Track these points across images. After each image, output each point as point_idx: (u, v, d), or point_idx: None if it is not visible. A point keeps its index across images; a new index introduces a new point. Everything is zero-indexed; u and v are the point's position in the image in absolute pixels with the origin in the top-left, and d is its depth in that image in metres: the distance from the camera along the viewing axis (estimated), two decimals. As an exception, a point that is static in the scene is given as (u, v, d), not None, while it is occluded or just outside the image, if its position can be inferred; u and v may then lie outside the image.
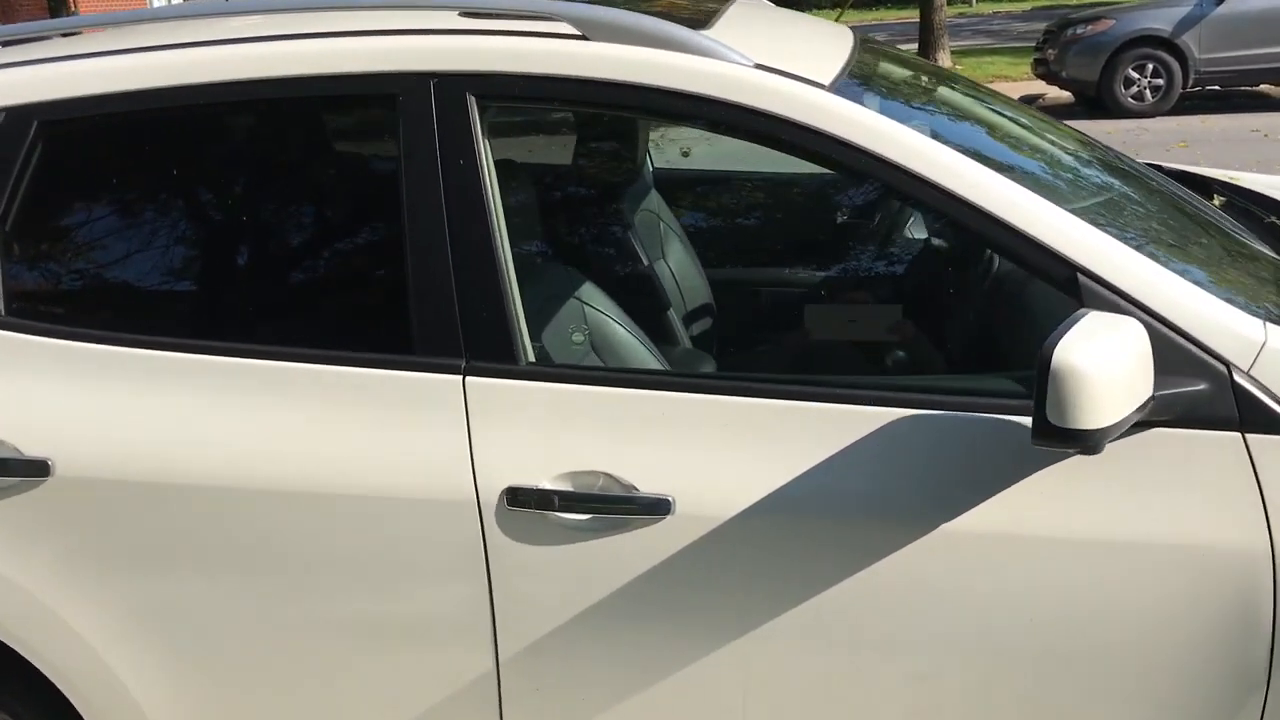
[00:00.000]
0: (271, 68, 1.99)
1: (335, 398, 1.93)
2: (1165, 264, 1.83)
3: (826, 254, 3.26)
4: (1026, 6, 27.76)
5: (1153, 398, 1.70)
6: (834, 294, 3.16)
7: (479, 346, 1.92)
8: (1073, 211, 1.84)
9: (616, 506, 1.85)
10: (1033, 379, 1.83)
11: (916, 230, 2.98)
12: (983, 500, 1.78)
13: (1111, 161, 2.46)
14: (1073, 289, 1.79)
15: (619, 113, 2.53)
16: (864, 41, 2.45)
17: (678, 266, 3.11)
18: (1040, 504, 1.77)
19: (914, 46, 15.01)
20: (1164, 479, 1.75)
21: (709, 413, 1.86)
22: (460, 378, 1.91)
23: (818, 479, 1.82)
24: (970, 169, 1.85)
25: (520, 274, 1.98)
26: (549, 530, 1.87)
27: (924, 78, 2.50)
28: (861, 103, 1.94)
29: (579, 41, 1.96)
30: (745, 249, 3.38)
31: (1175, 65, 11.87)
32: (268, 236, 2.17)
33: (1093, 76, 12.11)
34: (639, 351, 2.37)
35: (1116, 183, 2.29)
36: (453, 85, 1.95)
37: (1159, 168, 2.84)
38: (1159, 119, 11.76)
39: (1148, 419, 1.71)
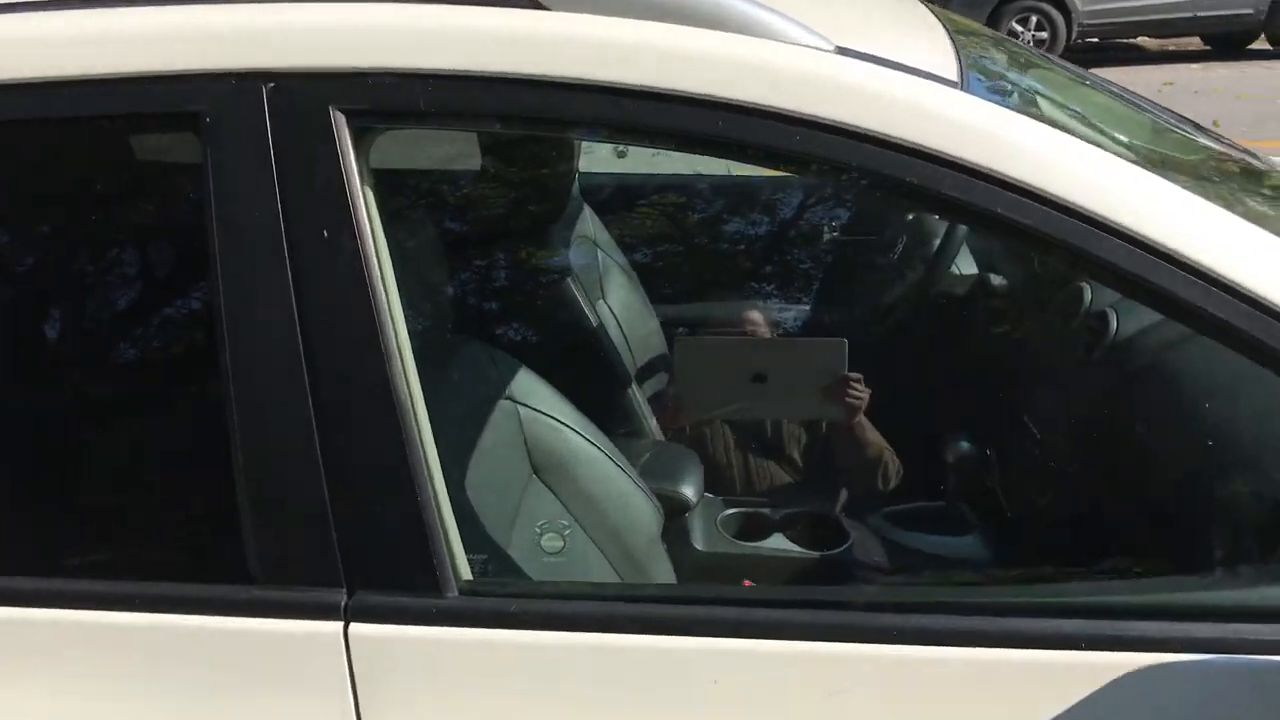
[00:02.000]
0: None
1: (120, 670, 1.06)
2: None
3: (811, 293, 2.42)
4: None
5: None
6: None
7: (371, 563, 1.07)
8: None
9: None
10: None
11: (963, 263, 2.16)
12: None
13: None
14: None
15: (605, 139, 1.61)
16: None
17: (623, 310, 2.26)
18: None
19: None
20: None
21: (787, 673, 1.06)
22: (339, 625, 1.06)
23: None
24: (1218, 221, 1.07)
25: (433, 397, 1.13)
26: None
27: (1022, 58, 1.68)
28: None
29: (532, 12, 1.09)
30: (699, 279, 2.52)
31: (1059, 17, 11.49)
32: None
33: (977, 30, 11.61)
34: (619, 487, 1.54)
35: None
36: (303, 95, 1.06)
37: None
38: (1044, 73, 11.34)
39: None
